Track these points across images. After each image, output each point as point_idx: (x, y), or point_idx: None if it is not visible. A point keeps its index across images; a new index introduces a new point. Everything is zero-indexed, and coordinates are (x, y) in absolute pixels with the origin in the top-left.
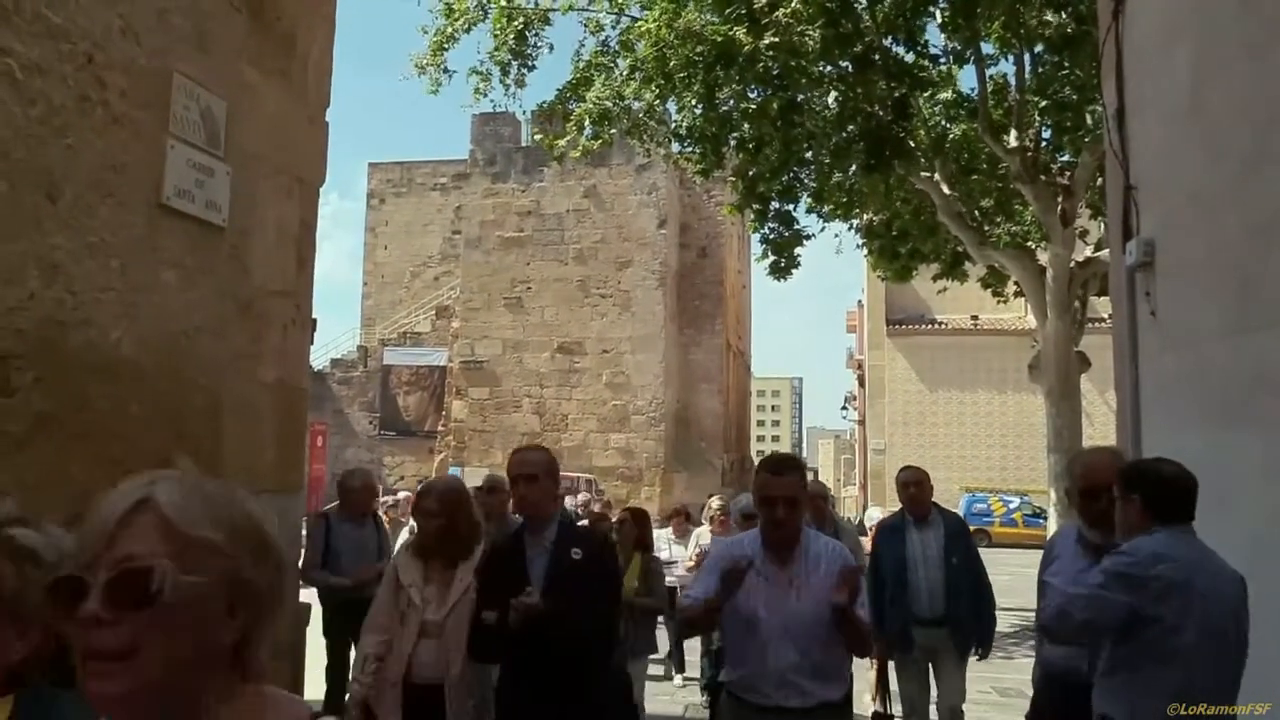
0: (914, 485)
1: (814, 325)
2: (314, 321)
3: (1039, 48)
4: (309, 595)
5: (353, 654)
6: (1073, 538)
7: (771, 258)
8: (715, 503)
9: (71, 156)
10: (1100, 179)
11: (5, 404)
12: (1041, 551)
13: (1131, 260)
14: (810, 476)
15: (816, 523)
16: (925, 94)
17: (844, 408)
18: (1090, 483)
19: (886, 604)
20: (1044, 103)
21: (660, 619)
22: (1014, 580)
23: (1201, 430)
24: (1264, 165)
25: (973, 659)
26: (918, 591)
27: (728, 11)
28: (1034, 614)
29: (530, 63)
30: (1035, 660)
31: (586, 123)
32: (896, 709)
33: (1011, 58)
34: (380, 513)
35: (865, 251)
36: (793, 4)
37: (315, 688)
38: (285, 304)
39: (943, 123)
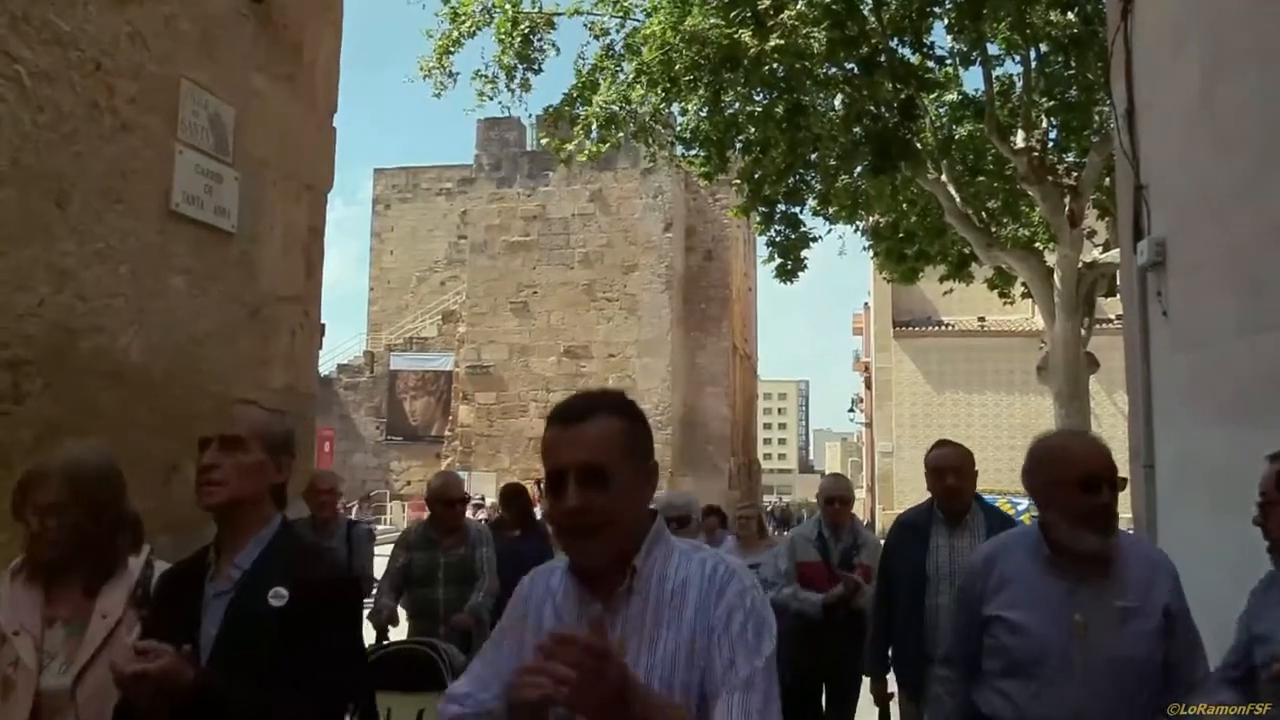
0: (953, 473)
1: (820, 328)
2: (322, 327)
3: (1045, 48)
4: None
5: None
6: (1023, 554)
7: (778, 260)
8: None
9: (80, 163)
10: (1107, 179)
11: (16, 411)
12: None
13: (1143, 260)
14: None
15: (833, 530)
16: (932, 95)
17: (851, 410)
18: (1087, 470)
19: (897, 633)
20: (1051, 103)
21: None
22: None
23: (1217, 429)
24: (1276, 163)
25: None
26: (934, 619)
27: (733, 14)
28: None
29: (536, 66)
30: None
31: (594, 125)
32: None
33: (1018, 58)
34: (362, 521)
35: (871, 253)
36: (798, 6)
37: None
38: (294, 309)
39: (949, 124)
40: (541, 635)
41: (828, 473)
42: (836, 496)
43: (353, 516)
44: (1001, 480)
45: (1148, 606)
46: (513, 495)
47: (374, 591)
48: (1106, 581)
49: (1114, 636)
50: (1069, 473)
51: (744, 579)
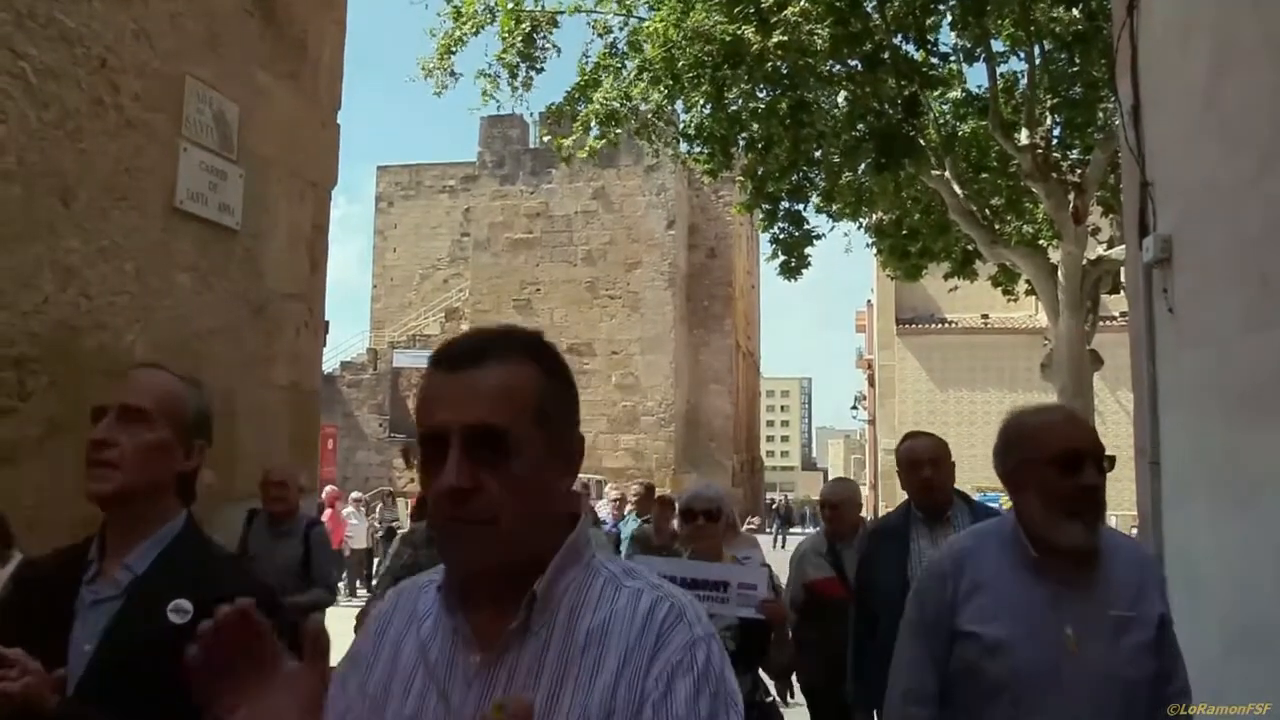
0: (929, 465)
1: (823, 325)
2: (326, 324)
3: (1049, 45)
4: None
5: None
6: (994, 552)
7: (781, 257)
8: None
9: (85, 160)
10: (1112, 176)
11: (21, 408)
12: None
13: (1149, 256)
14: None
15: (832, 533)
16: (935, 93)
17: (854, 408)
18: (1067, 445)
19: (876, 658)
20: (1055, 100)
21: None
22: None
23: (1224, 427)
24: None
25: None
26: None
27: (736, 11)
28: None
29: (538, 65)
30: None
31: (594, 123)
32: None
33: (1022, 55)
34: (324, 521)
35: (875, 251)
36: (801, 3)
37: None
38: (298, 307)
39: (952, 121)
40: (398, 676)
41: (830, 471)
42: (826, 501)
43: (376, 514)
44: None
45: (1141, 615)
46: None
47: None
48: (1093, 585)
49: (1111, 653)
50: (1046, 449)
51: (695, 626)
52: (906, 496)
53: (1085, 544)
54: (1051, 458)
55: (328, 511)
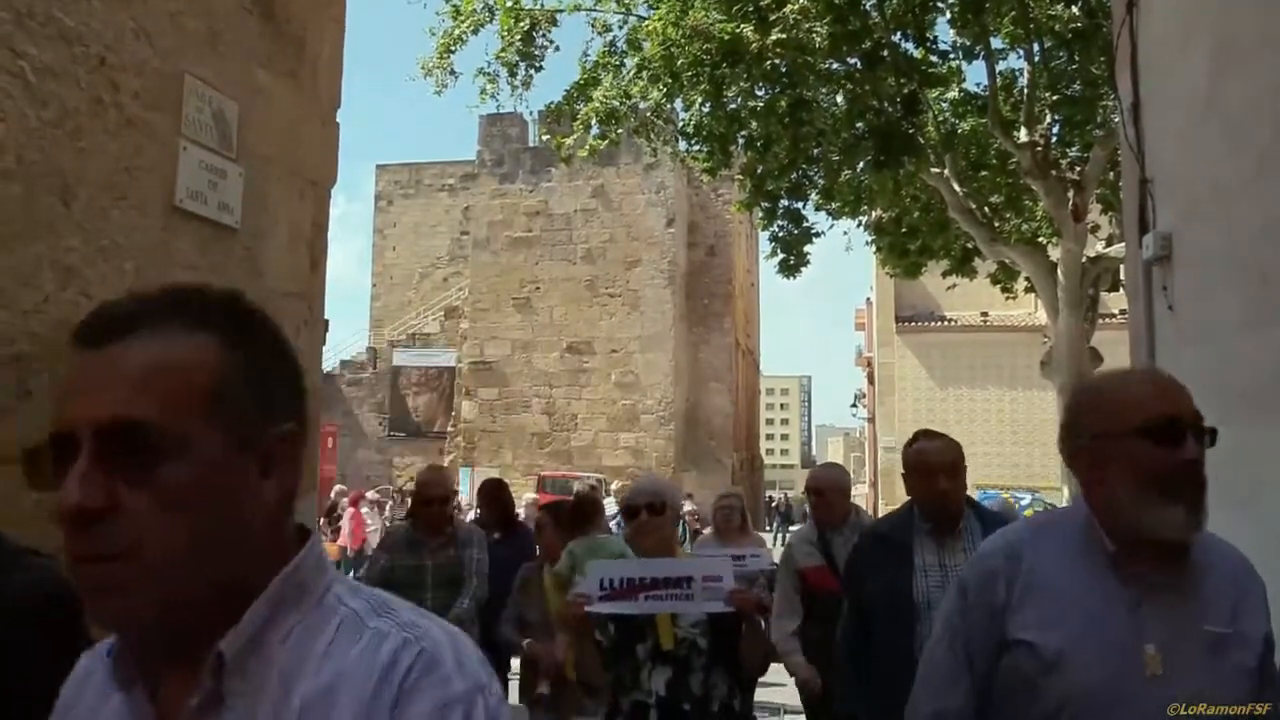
0: (945, 473)
1: (823, 323)
2: (325, 323)
3: (1049, 42)
4: None
5: None
6: (1057, 548)
7: (780, 255)
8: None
9: (85, 159)
10: (1111, 173)
11: (21, 409)
12: None
13: (1149, 254)
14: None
15: (820, 521)
16: (934, 91)
17: (854, 405)
18: (1159, 410)
19: (877, 682)
20: (1054, 98)
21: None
22: None
23: (1225, 426)
24: None
25: None
26: None
27: (735, 9)
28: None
29: (537, 64)
30: None
31: (593, 122)
32: None
33: (1021, 52)
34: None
35: (874, 248)
36: (800, 1)
37: None
38: (298, 306)
39: (952, 119)
40: None
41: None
42: (812, 487)
43: (387, 513)
44: (1004, 476)
45: (1240, 632)
46: (492, 493)
47: None
48: (1183, 591)
49: (1203, 676)
50: (1135, 417)
51: (455, 679)
52: (908, 499)
53: (1187, 533)
54: (1143, 427)
55: (349, 510)
